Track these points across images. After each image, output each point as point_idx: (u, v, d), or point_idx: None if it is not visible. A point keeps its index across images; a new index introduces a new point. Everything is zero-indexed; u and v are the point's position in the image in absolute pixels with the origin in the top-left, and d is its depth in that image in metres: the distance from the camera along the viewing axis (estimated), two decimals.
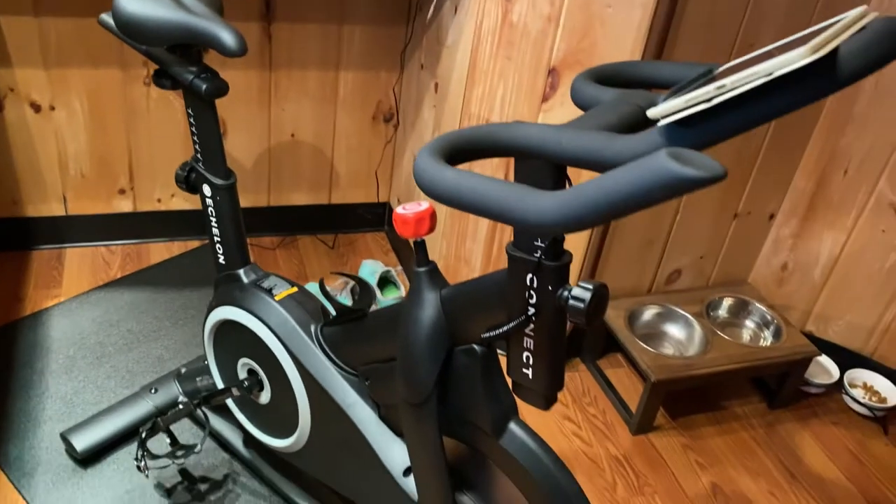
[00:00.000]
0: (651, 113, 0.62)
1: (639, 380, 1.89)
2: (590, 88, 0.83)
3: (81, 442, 1.45)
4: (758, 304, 1.93)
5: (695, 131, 0.61)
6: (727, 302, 1.95)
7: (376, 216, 2.29)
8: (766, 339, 1.88)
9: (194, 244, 2.13)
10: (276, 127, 2.05)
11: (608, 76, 0.86)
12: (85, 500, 1.39)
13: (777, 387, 1.86)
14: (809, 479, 1.69)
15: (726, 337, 1.80)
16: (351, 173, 2.20)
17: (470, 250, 1.84)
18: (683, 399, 1.86)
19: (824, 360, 1.94)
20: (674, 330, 1.88)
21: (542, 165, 0.75)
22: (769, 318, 1.89)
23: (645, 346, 1.73)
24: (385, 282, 2.02)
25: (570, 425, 1.76)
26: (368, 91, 2.06)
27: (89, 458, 1.46)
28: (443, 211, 1.87)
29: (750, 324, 1.94)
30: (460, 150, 0.68)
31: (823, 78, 0.54)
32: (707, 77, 0.65)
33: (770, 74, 0.54)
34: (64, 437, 1.46)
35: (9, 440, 1.47)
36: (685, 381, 1.70)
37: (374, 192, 2.25)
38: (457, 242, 1.87)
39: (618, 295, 1.88)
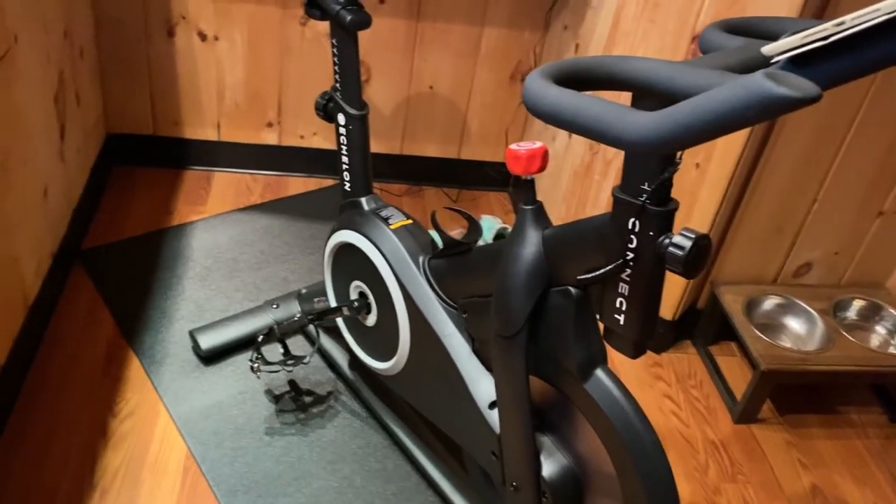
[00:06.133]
0: (766, 50, 0.61)
1: (750, 370, 1.82)
2: (717, 36, 0.82)
3: (206, 341, 1.58)
4: (893, 311, 1.80)
5: (810, 71, 0.60)
6: (858, 303, 1.83)
7: (502, 176, 2.31)
8: None
9: (329, 182, 2.25)
10: (417, 77, 2.12)
11: (739, 27, 0.84)
12: (203, 393, 1.53)
13: None
14: None
15: (851, 338, 1.70)
16: (482, 130, 2.23)
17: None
18: (795, 396, 1.78)
19: None
20: (794, 324, 1.80)
21: (656, 103, 0.75)
22: None
23: (759, 333, 1.67)
24: (501, 238, 2.05)
25: (669, 404, 1.73)
26: (510, 49, 2.09)
27: (211, 358, 1.60)
28: (567, 173, 1.87)
29: (881, 329, 1.82)
30: (571, 77, 0.70)
31: None
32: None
33: (894, 11, 0.52)
34: (192, 335, 1.60)
35: (145, 331, 1.64)
36: (798, 375, 1.63)
37: (503, 151, 2.28)
38: (577, 207, 1.86)
39: (739, 280, 1.82)
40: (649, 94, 0.73)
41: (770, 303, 1.80)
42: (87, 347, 1.58)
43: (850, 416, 1.76)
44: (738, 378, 1.80)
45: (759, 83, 0.47)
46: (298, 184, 2.22)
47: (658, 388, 1.76)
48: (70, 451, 1.38)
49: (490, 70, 2.12)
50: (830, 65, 0.59)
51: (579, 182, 1.82)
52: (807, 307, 1.77)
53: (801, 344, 1.76)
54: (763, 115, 0.48)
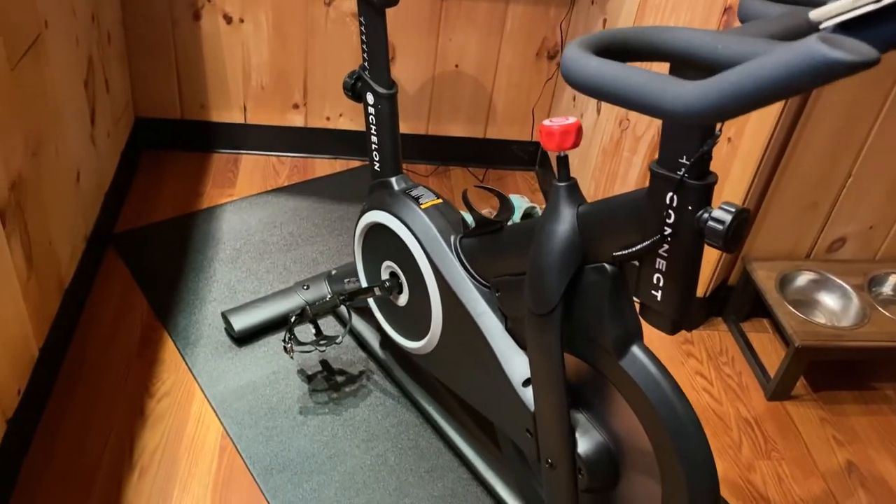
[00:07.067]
0: (813, 15, 0.59)
1: (783, 347, 1.81)
2: (757, 4, 0.80)
3: (239, 322, 1.60)
4: None
5: (863, 36, 0.58)
6: (894, 278, 1.80)
7: (528, 154, 2.30)
8: None
9: (355, 164, 2.25)
10: (442, 57, 2.10)
11: None
12: (237, 374, 1.54)
13: None
14: None
15: (887, 314, 1.67)
16: (508, 109, 2.22)
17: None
18: (829, 372, 1.76)
19: None
20: (828, 300, 1.77)
21: (697, 74, 0.74)
22: None
23: (793, 310, 1.65)
24: (529, 217, 2.04)
25: (701, 381, 1.72)
26: (535, 26, 2.06)
27: (244, 339, 1.61)
28: (596, 150, 1.85)
29: None
30: (610, 47, 0.68)
31: None
32: None
33: None
34: (224, 317, 1.62)
35: (179, 313, 1.66)
36: (833, 351, 1.61)
37: (529, 130, 2.26)
38: (606, 184, 1.85)
39: (772, 256, 1.80)
40: (690, 65, 0.71)
41: (804, 278, 1.78)
42: (122, 330, 1.61)
43: (885, 392, 1.74)
44: (771, 354, 1.79)
45: (813, 47, 0.46)
46: (325, 165, 2.22)
47: (690, 366, 1.75)
48: (109, 431, 1.41)
49: (516, 48, 2.10)
50: (884, 28, 0.57)
51: (608, 159, 1.80)
52: (841, 282, 1.75)
53: (835, 320, 1.73)
54: (817, 80, 0.47)
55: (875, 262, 1.84)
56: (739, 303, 1.84)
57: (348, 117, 2.18)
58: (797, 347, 1.58)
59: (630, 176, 1.77)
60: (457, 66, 2.12)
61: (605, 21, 1.80)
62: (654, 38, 0.70)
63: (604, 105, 1.82)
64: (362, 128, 2.20)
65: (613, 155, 1.79)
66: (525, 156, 2.30)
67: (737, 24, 1.47)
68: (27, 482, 1.30)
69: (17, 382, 1.31)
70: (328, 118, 2.18)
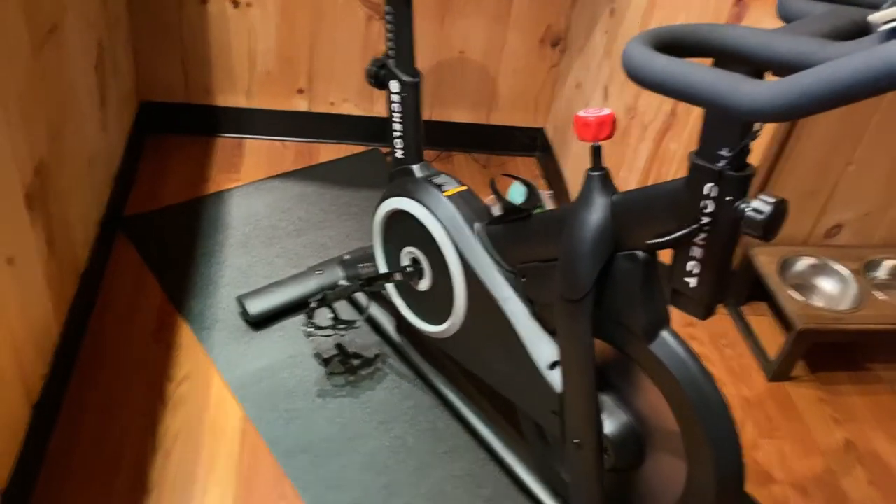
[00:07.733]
0: (873, 18, 0.62)
1: (781, 330, 1.86)
2: (797, 2, 0.83)
3: (254, 307, 1.61)
4: None
5: None
6: (889, 263, 1.86)
7: (531, 140, 2.32)
8: None
9: (359, 149, 2.25)
10: (447, 43, 2.11)
11: None
12: (254, 357, 1.56)
13: None
14: None
15: (883, 297, 1.73)
16: (512, 95, 2.24)
17: (624, 180, 1.86)
18: (826, 354, 1.82)
19: None
20: (826, 284, 1.83)
21: (747, 71, 0.77)
22: None
23: (795, 294, 1.70)
24: None
25: (704, 363, 1.77)
26: (541, 13, 2.08)
27: (259, 323, 1.63)
28: None
29: None
30: (670, 44, 0.71)
31: None
32: None
33: None
34: (239, 301, 1.63)
35: (192, 298, 1.66)
36: (832, 334, 1.67)
37: (533, 116, 2.28)
38: (612, 171, 1.88)
39: (772, 242, 1.84)
40: (740, 62, 0.74)
41: (803, 263, 1.83)
42: (138, 314, 1.61)
43: (879, 374, 1.81)
44: (770, 337, 1.84)
45: (895, 52, 0.49)
46: (329, 150, 2.23)
47: (692, 348, 1.80)
48: (130, 415, 1.42)
49: (521, 34, 2.11)
50: None
51: (616, 147, 1.83)
52: (839, 267, 1.80)
53: (833, 304, 1.79)
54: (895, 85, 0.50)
55: (870, 248, 1.90)
56: (739, 287, 1.89)
57: (353, 102, 2.19)
58: (799, 331, 1.64)
59: (637, 163, 1.80)
60: (461, 52, 2.13)
61: (612, 10, 1.82)
62: (709, 35, 0.73)
63: (611, 92, 1.85)
64: (367, 113, 2.21)
65: (620, 143, 1.83)
66: (528, 142, 2.32)
67: (749, 16, 1.50)
68: (53, 467, 1.31)
69: (41, 367, 1.32)
70: (332, 103, 2.18)
